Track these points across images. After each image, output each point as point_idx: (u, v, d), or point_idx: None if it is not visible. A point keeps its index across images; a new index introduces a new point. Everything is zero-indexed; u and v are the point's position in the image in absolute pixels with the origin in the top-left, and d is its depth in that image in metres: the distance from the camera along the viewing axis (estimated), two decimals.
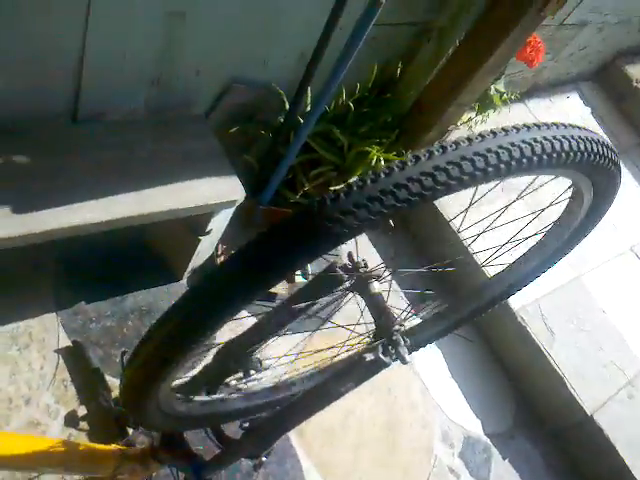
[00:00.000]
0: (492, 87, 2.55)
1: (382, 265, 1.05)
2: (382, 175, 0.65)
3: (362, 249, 2.29)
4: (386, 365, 0.93)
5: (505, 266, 1.28)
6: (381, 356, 0.91)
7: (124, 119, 1.69)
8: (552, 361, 2.40)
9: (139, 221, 1.58)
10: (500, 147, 0.68)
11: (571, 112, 3.49)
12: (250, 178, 1.99)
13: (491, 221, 1.01)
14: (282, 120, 1.94)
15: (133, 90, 1.66)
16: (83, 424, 1.51)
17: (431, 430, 2.16)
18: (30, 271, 1.70)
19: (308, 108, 2.01)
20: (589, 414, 2.33)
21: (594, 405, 2.37)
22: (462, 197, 0.92)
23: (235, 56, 1.81)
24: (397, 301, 1.01)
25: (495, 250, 1.10)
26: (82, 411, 1.54)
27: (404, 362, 0.95)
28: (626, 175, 3.55)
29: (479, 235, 1.03)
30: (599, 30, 3.23)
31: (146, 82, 1.66)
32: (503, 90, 2.59)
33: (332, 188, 2.05)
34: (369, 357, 0.91)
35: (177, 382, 1.26)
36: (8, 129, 1.49)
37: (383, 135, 2.20)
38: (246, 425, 1.20)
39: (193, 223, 1.78)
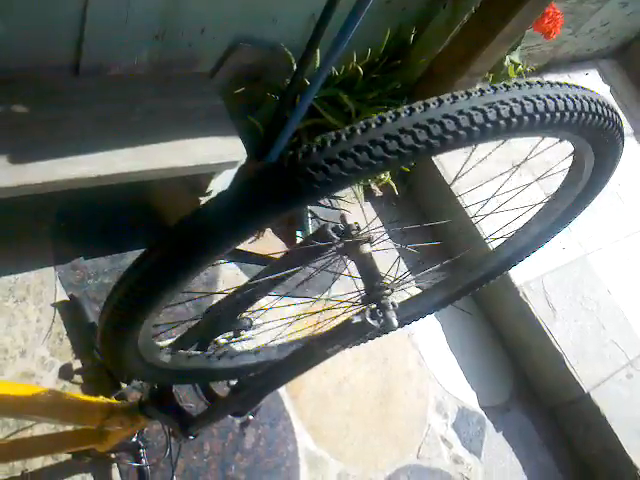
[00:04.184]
0: (507, 58, 2.49)
1: (375, 228, 1.03)
2: (373, 125, 0.61)
3: (365, 217, 2.27)
4: (372, 328, 0.91)
5: (506, 237, 1.26)
6: (368, 319, 0.89)
7: (126, 74, 1.67)
8: (552, 338, 2.38)
9: (138, 177, 1.56)
10: (492, 104, 0.65)
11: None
12: (254, 140, 1.96)
13: (495, 190, 0.99)
14: (289, 82, 1.91)
15: (136, 45, 1.64)
16: (77, 377, 1.52)
17: (425, 400, 2.16)
18: (30, 224, 1.70)
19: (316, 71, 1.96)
20: (586, 391, 2.32)
21: (592, 383, 2.36)
22: (472, 177, 0.90)
23: (243, 14, 1.77)
24: (395, 268, 0.99)
25: (485, 205, 1.06)
26: (77, 365, 1.55)
27: (392, 326, 0.93)
28: None
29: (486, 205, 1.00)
30: (623, 5, 3.13)
31: (150, 37, 1.63)
32: (518, 62, 2.54)
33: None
34: (356, 320, 0.90)
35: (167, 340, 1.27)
36: (9, 78, 1.47)
37: (392, 103, 2.16)
38: (233, 383, 1.21)
39: (194, 183, 1.77)
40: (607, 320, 2.61)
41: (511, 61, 2.51)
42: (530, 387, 2.47)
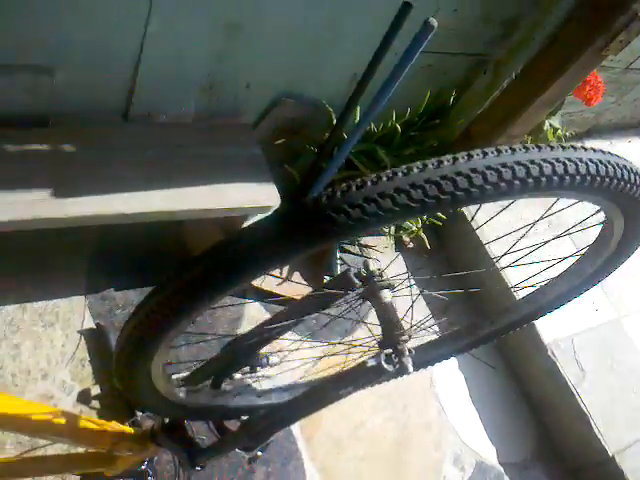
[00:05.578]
0: (547, 122, 2.34)
1: (398, 276, 0.96)
2: (400, 174, 0.58)
3: (393, 265, 2.15)
4: (386, 372, 0.84)
5: (531, 291, 1.15)
6: (383, 363, 0.84)
7: (173, 122, 1.65)
8: (579, 399, 2.18)
9: (173, 216, 1.54)
10: (519, 163, 0.60)
11: (631, 155, 3.17)
12: (291, 189, 1.89)
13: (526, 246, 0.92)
14: (328, 135, 1.84)
15: (184, 95, 1.62)
16: (95, 403, 1.47)
17: (443, 452, 1.99)
18: (66, 253, 1.68)
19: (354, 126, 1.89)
20: (611, 455, 2.10)
21: (617, 446, 2.14)
22: (501, 225, 0.81)
23: (288, 72, 1.74)
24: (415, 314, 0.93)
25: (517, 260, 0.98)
26: (95, 391, 1.51)
27: (407, 371, 0.86)
28: None
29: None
30: None
31: (198, 89, 1.62)
32: (558, 126, 2.38)
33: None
34: (370, 363, 0.85)
35: (182, 374, 1.21)
36: (63, 121, 1.47)
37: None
38: (244, 418, 1.15)
39: (228, 225, 1.72)
40: (638, 384, 2.36)
41: (551, 125, 2.36)
42: (552, 447, 2.26)
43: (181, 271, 0.68)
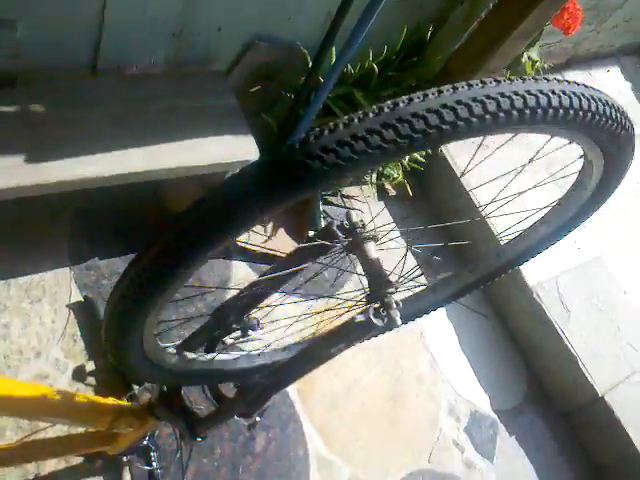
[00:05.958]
0: (525, 55, 2.47)
1: (382, 226, 1.03)
2: (370, 114, 0.62)
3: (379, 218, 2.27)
4: (375, 327, 0.92)
5: (514, 236, 1.26)
6: (372, 317, 0.89)
7: (143, 73, 1.68)
8: (565, 339, 2.38)
9: (152, 177, 1.58)
10: (490, 96, 0.64)
11: (610, 85, 3.38)
12: (268, 139, 1.97)
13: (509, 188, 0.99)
14: (303, 79, 1.91)
15: (153, 44, 1.64)
16: (90, 379, 1.54)
17: (437, 403, 2.17)
18: (46, 224, 1.71)
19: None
20: (600, 394, 2.31)
21: (606, 386, 2.35)
22: (485, 172, 0.90)
23: (259, 13, 1.77)
24: (404, 263, 1.01)
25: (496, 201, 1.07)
26: (90, 366, 1.57)
27: (396, 325, 0.94)
28: None
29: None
30: None
31: (166, 36, 1.64)
32: (537, 58, 2.51)
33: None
34: (359, 318, 0.90)
35: (175, 341, 1.28)
36: (28, 78, 1.48)
37: None
38: (240, 384, 1.22)
39: (207, 182, 1.78)
40: (623, 321, 2.59)
41: (529, 58, 2.49)
42: (544, 390, 2.47)
43: (160, 234, 0.71)
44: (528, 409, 2.38)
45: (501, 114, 0.64)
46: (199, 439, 1.24)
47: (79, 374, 1.53)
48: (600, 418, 2.36)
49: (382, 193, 2.39)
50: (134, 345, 0.92)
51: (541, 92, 0.66)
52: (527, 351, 2.51)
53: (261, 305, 1.29)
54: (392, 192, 2.43)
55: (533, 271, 2.46)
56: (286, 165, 0.62)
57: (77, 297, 1.66)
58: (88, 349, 1.58)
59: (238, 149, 1.73)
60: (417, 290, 1.35)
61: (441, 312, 2.33)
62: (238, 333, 1.38)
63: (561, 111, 0.68)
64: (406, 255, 1.02)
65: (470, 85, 0.64)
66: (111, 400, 1.33)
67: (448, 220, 2.41)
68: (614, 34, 3.23)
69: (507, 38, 2.17)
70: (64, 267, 1.68)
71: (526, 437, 2.30)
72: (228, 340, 1.38)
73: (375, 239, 0.99)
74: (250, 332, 1.37)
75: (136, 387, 1.54)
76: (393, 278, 0.97)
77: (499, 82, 0.65)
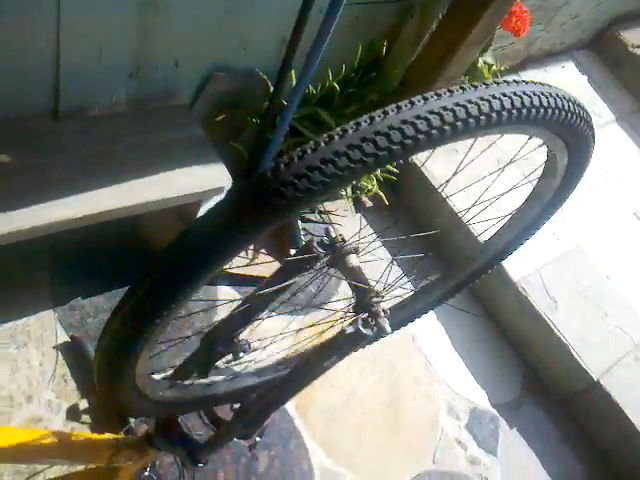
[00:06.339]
0: (480, 60, 2.51)
1: (363, 238, 1.03)
2: (336, 137, 0.62)
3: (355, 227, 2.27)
4: (365, 337, 0.92)
5: (494, 231, 1.26)
6: (360, 328, 0.90)
7: (106, 113, 1.68)
8: (555, 329, 2.38)
9: (125, 213, 1.58)
10: (457, 104, 0.66)
11: (567, 81, 3.44)
12: (239, 165, 1.97)
13: (477, 180, 0.99)
14: (267, 104, 1.92)
15: (112, 84, 1.66)
16: (85, 417, 1.52)
17: (436, 404, 2.15)
18: (26, 269, 1.71)
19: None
20: (595, 379, 2.31)
21: (600, 370, 2.34)
22: (459, 179, 0.91)
23: (214, 44, 1.79)
24: (388, 272, 1.01)
25: (476, 206, 1.08)
26: (84, 404, 1.55)
27: (385, 333, 0.94)
28: (626, 140, 3.49)
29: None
30: None
31: (124, 75, 1.65)
32: (492, 62, 2.55)
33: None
34: (349, 330, 0.90)
35: (167, 372, 1.27)
36: None
37: None
38: (236, 406, 1.20)
39: (183, 212, 1.78)
40: (609, 306, 2.60)
41: (485, 62, 2.52)
42: (540, 380, 2.46)
43: (143, 278, 0.71)
44: (526, 401, 2.36)
45: (459, 123, 0.64)
46: (201, 465, 1.22)
47: (73, 413, 1.51)
48: (598, 402, 2.34)
49: (359, 205, 2.40)
50: (127, 385, 0.91)
51: (493, 97, 0.67)
52: (519, 344, 2.51)
53: (250, 326, 1.29)
54: (369, 204, 2.44)
55: (516, 266, 2.47)
56: (260, 195, 0.62)
57: (64, 337, 1.64)
58: (80, 388, 1.56)
59: (210, 178, 1.74)
60: (405, 296, 1.36)
61: (431, 314, 2.31)
62: (230, 356, 1.37)
63: (515, 112, 0.69)
64: (390, 265, 1.02)
65: (425, 98, 0.64)
66: (108, 435, 1.31)
67: (427, 225, 2.42)
68: (563, 31, 3.29)
69: (460, 46, 2.20)
70: (48, 310, 1.67)
71: (527, 428, 2.28)
72: (220, 365, 1.37)
73: (356, 251, 1.00)
74: (241, 354, 1.36)
75: (132, 420, 1.52)
76: (378, 287, 0.97)
77: (452, 92, 0.66)
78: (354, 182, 2.05)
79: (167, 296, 0.72)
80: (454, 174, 0.87)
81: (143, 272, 0.72)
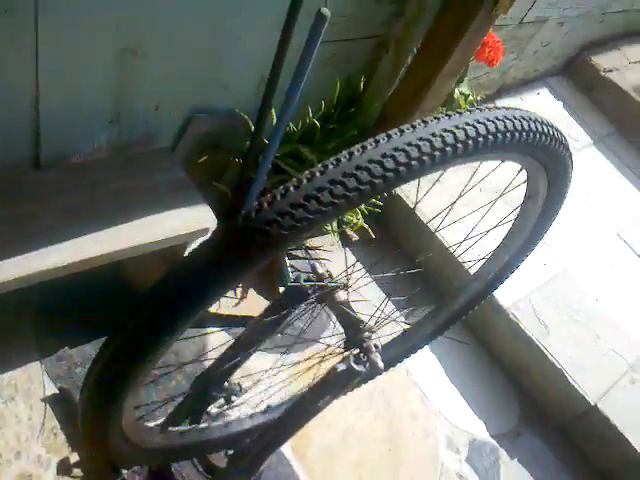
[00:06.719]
0: (456, 90, 2.55)
1: (347, 273, 1.03)
2: (317, 173, 0.64)
3: (342, 262, 2.27)
4: (358, 373, 0.91)
5: (483, 261, 1.27)
6: (353, 365, 0.91)
7: (88, 160, 1.68)
8: (549, 355, 2.37)
9: (110, 259, 1.56)
10: (433, 135, 0.68)
11: (543, 107, 3.50)
12: (224, 205, 1.97)
13: (464, 216, 1.00)
14: (249, 144, 1.93)
15: (93, 130, 1.66)
16: (76, 471, 1.48)
17: (435, 438, 2.11)
18: (10, 322, 1.68)
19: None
20: (592, 403, 2.29)
21: (597, 394, 2.33)
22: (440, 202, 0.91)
23: (193, 87, 1.80)
24: (381, 308, 0.99)
25: (467, 240, 1.09)
26: (74, 458, 1.50)
27: (379, 369, 0.93)
28: (605, 163, 3.55)
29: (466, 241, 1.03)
30: (560, 25, 3.25)
31: (105, 121, 1.66)
32: (468, 92, 2.60)
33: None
34: (341, 368, 0.91)
35: (159, 419, 1.24)
36: None
37: None
38: (231, 452, 1.18)
39: (169, 255, 1.76)
40: (600, 328, 2.60)
41: (461, 93, 2.57)
42: (537, 408, 2.44)
43: (125, 322, 0.72)
44: (525, 429, 2.34)
45: (436, 153, 0.66)
46: None
47: (64, 468, 1.47)
48: (597, 427, 2.32)
49: (345, 240, 2.40)
50: (114, 430, 0.90)
51: (467, 124, 0.69)
52: (514, 372, 2.49)
53: (240, 368, 1.27)
54: (355, 237, 2.44)
55: (505, 293, 2.47)
56: (245, 234, 0.64)
57: (52, 389, 1.60)
58: (70, 440, 1.51)
59: (194, 219, 1.73)
60: (399, 332, 1.35)
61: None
62: (222, 401, 1.34)
63: (490, 137, 0.70)
64: (385, 302, 1.02)
65: (402, 131, 0.67)
66: None
67: (415, 257, 2.43)
68: (536, 59, 3.36)
69: (435, 78, 2.24)
70: (34, 362, 1.63)
71: (528, 458, 2.25)
72: (212, 410, 1.35)
73: (345, 287, 1.00)
74: (233, 398, 1.33)
75: (124, 471, 1.48)
76: (370, 323, 0.98)
77: (427, 123, 0.68)
78: (338, 217, 2.07)
79: (150, 338, 0.72)
80: (424, 194, 0.87)
81: (128, 312, 0.72)
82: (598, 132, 3.75)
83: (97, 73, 1.54)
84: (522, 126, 0.74)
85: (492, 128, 0.70)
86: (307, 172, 0.64)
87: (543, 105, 3.53)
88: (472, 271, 1.31)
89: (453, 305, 1.36)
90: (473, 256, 1.19)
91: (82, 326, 1.72)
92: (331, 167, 0.64)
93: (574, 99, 3.83)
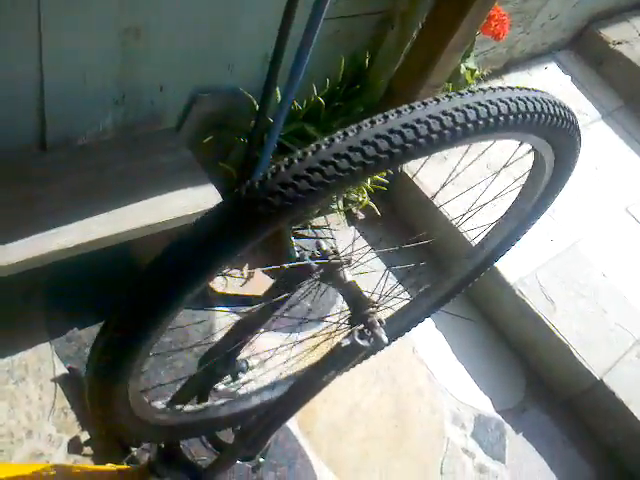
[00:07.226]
0: (463, 66, 2.53)
1: (356, 250, 1.03)
2: (323, 146, 0.64)
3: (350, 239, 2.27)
4: (363, 348, 0.92)
5: (484, 233, 1.27)
6: (357, 340, 0.90)
7: (93, 141, 1.69)
8: (555, 330, 2.38)
9: (118, 239, 1.58)
10: (443, 112, 0.67)
11: (550, 82, 3.47)
12: (229, 185, 1.98)
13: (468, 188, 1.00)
14: (254, 123, 1.93)
15: (98, 112, 1.66)
16: (87, 449, 1.51)
17: (440, 414, 2.14)
18: (20, 303, 1.70)
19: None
20: (598, 378, 2.30)
21: (603, 369, 2.34)
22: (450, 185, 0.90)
23: (197, 66, 1.80)
24: (383, 283, 1.00)
25: (469, 213, 1.09)
26: (85, 436, 1.53)
27: (383, 343, 0.94)
28: (613, 137, 3.52)
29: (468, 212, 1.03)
30: None
31: (110, 102, 1.66)
32: (474, 67, 2.57)
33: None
34: (345, 343, 0.91)
35: (167, 397, 1.26)
36: None
37: None
38: (238, 428, 1.20)
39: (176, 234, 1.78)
40: (607, 304, 2.60)
41: (467, 68, 2.54)
42: (543, 383, 2.45)
43: (129, 292, 0.71)
44: (531, 405, 2.36)
45: (446, 131, 0.65)
46: None
47: (74, 446, 1.50)
48: (602, 401, 2.34)
49: (351, 218, 2.41)
50: (121, 404, 0.91)
51: (479, 104, 0.68)
52: (520, 348, 2.51)
53: (247, 345, 1.28)
54: (361, 216, 2.45)
55: (512, 268, 2.47)
56: (249, 204, 0.63)
57: (61, 370, 1.63)
58: (80, 419, 1.55)
59: (200, 199, 1.74)
60: (401, 305, 1.35)
61: (429, 324, 2.32)
62: (228, 378, 1.36)
63: (502, 118, 0.70)
64: (385, 275, 1.03)
65: (412, 107, 0.66)
66: (110, 466, 1.30)
67: (421, 233, 2.43)
68: (544, 32, 3.32)
69: (441, 53, 2.22)
70: (44, 342, 1.66)
71: (534, 433, 2.27)
72: (219, 387, 1.36)
73: (349, 264, 1.00)
74: (240, 375, 1.35)
75: (134, 449, 1.51)
76: (373, 298, 0.97)
77: (438, 100, 0.67)
78: (342, 191, 2.07)
79: (153, 309, 0.71)
80: (441, 186, 0.87)
81: (132, 281, 0.71)
82: (607, 106, 3.71)
83: (100, 53, 1.53)
84: (535, 107, 0.74)
85: (504, 109, 0.70)
86: (313, 145, 0.64)
87: (551, 79, 3.50)
88: (474, 243, 1.31)
89: (454, 277, 1.37)
90: (477, 227, 1.20)
91: (90, 307, 1.75)
92: (337, 140, 0.63)
93: (582, 73, 3.79)
